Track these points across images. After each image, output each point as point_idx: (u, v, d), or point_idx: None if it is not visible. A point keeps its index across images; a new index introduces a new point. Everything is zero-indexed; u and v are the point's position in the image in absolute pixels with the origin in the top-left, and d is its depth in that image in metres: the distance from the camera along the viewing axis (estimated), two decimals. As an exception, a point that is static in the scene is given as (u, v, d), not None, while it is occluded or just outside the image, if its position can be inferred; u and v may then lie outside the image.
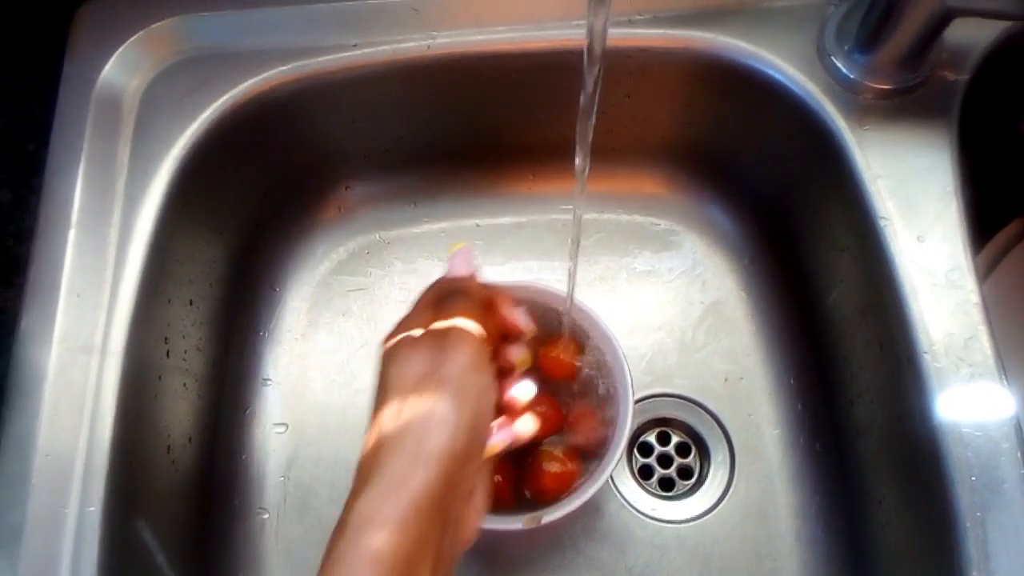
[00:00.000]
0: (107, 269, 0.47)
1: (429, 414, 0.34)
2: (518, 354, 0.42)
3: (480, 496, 0.37)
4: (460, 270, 0.43)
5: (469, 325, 0.37)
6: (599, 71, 0.31)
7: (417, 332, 0.38)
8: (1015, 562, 0.40)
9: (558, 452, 0.50)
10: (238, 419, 0.59)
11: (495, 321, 0.41)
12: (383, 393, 0.36)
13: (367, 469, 0.33)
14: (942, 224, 0.48)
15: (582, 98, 0.33)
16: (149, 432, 0.48)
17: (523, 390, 0.41)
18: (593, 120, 0.35)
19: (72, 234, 0.47)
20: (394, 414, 0.35)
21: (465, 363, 0.36)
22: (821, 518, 0.56)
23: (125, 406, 0.45)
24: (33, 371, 0.44)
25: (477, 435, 0.35)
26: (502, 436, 0.38)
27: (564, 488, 0.48)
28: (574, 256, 0.44)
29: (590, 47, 0.30)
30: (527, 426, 0.40)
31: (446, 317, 0.37)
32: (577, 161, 0.36)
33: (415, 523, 0.32)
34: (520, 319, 0.42)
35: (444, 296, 0.40)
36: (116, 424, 0.44)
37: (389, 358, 0.38)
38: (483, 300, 0.40)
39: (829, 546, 0.55)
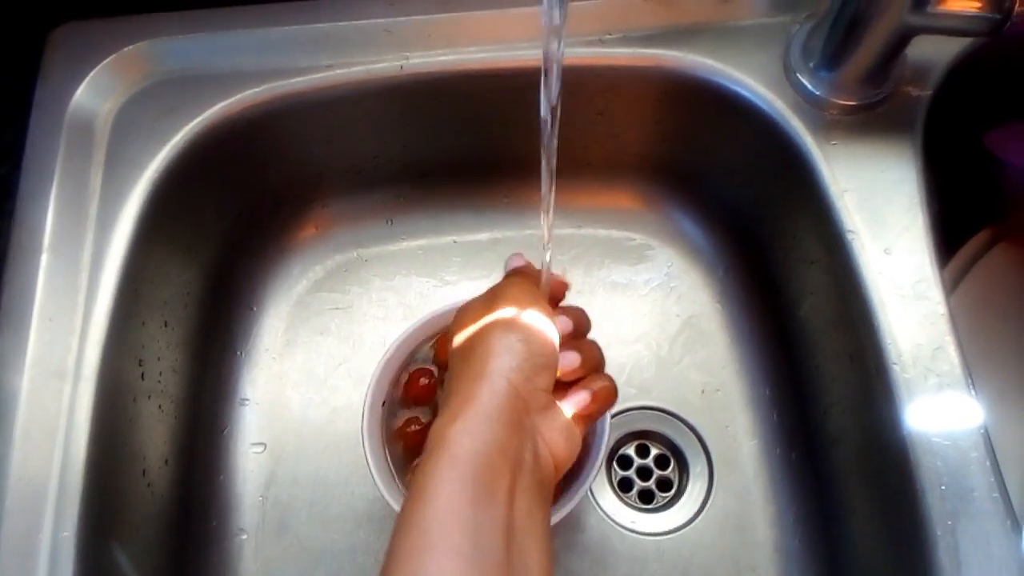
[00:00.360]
0: (80, 293, 0.47)
1: (488, 336, 0.38)
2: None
3: (564, 419, 0.39)
4: (517, 264, 0.47)
5: (524, 278, 0.43)
6: (558, 97, 0.32)
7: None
8: (986, 570, 0.41)
9: None
10: (215, 440, 0.59)
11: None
12: (454, 338, 0.41)
13: (444, 400, 0.37)
14: (909, 236, 0.48)
15: (542, 123, 0.33)
16: (124, 455, 0.48)
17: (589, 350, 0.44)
18: (555, 154, 0.36)
19: (44, 258, 0.47)
20: (461, 346, 0.39)
21: (517, 295, 0.40)
22: (798, 528, 0.56)
23: (99, 430, 0.45)
24: (5, 396, 0.44)
25: (537, 352, 0.38)
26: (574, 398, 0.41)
27: None
28: (546, 274, 0.44)
29: (547, 75, 0.30)
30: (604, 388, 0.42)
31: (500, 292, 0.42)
32: (543, 191, 0.37)
33: (487, 429, 0.35)
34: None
35: (509, 292, 0.43)
36: (90, 448, 0.44)
37: (458, 316, 0.42)
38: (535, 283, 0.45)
39: (806, 556, 0.56)
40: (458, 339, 0.40)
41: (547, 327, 0.39)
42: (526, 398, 0.37)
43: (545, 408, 0.39)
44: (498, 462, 0.34)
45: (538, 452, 0.37)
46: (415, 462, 0.49)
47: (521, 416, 0.36)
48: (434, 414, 0.49)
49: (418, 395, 0.50)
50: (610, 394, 0.42)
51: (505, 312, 0.39)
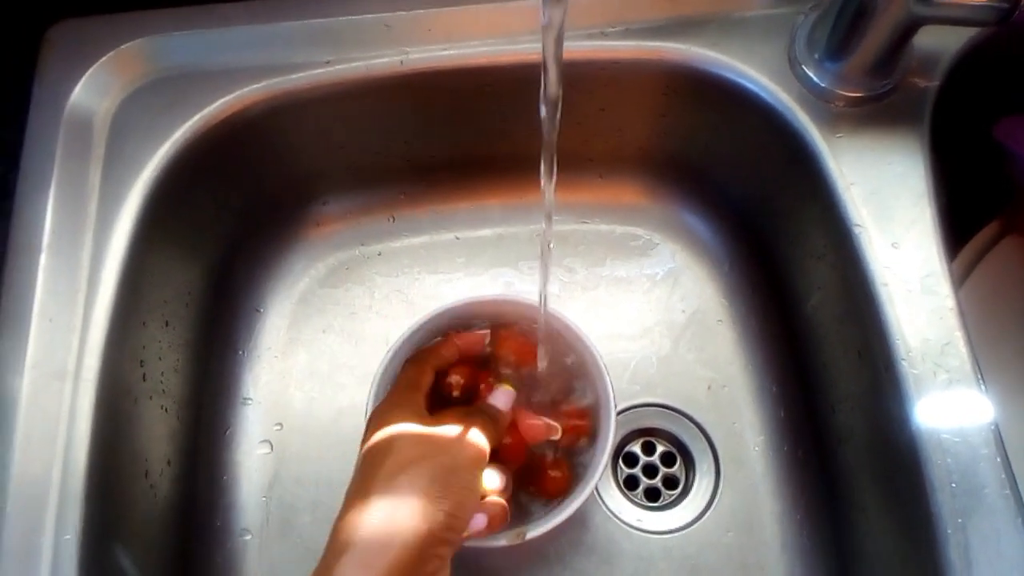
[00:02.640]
0: (79, 293, 0.47)
1: (418, 496, 0.37)
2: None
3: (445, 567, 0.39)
4: (500, 404, 0.47)
5: (472, 439, 0.41)
6: (559, 91, 0.31)
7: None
8: (997, 568, 0.40)
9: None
10: (218, 440, 0.58)
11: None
12: (376, 463, 0.39)
13: (349, 534, 0.36)
14: (916, 230, 0.48)
15: (543, 119, 0.33)
16: (126, 457, 0.48)
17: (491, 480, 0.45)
18: (555, 153, 0.35)
19: (43, 258, 0.47)
20: (385, 486, 0.37)
21: (460, 460, 0.39)
22: (806, 526, 0.56)
23: (100, 431, 0.44)
24: (5, 397, 0.44)
25: (454, 525, 0.38)
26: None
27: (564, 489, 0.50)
28: (544, 271, 0.44)
29: (545, 77, 0.30)
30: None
31: (469, 420, 0.42)
32: (542, 188, 0.36)
33: None
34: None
35: (478, 409, 0.44)
36: (91, 450, 0.44)
37: (383, 418, 0.41)
38: (502, 430, 0.46)
39: (815, 554, 0.55)
40: (386, 435, 0.40)
41: (477, 491, 0.40)
42: (427, 562, 0.37)
43: (434, 573, 0.38)
44: None
45: None
46: None
47: None
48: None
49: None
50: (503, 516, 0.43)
51: (446, 457, 0.39)
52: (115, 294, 0.47)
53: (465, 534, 0.40)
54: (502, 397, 0.47)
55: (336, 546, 0.36)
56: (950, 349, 0.45)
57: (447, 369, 0.49)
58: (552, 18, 0.27)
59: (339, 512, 0.39)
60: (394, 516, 0.36)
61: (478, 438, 0.41)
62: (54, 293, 0.46)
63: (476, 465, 0.41)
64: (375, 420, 0.42)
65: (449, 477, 0.38)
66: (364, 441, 0.42)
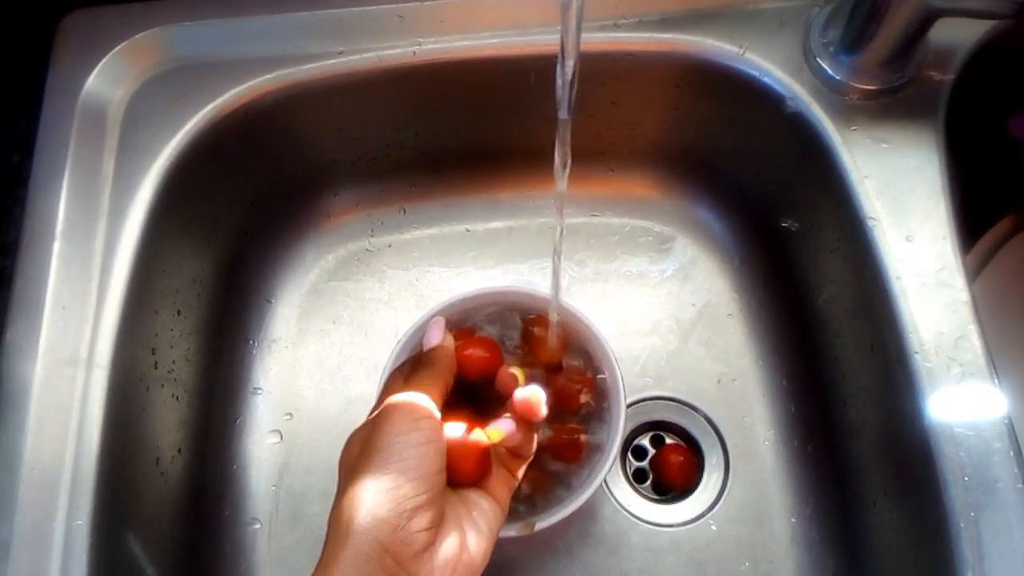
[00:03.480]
0: (92, 280, 0.47)
1: (354, 485, 0.35)
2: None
3: (444, 554, 0.36)
4: (432, 341, 0.44)
5: (408, 397, 0.39)
6: (574, 79, 0.31)
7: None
8: (1009, 562, 0.40)
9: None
10: (228, 429, 0.59)
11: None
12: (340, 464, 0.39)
13: (331, 531, 0.35)
14: (930, 223, 0.48)
15: (558, 101, 0.33)
16: (137, 444, 0.48)
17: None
18: (568, 141, 0.35)
19: (57, 246, 0.47)
20: (336, 498, 0.36)
21: (400, 424, 0.37)
22: (816, 520, 0.56)
23: (112, 418, 0.45)
24: (19, 384, 0.44)
25: (410, 493, 0.35)
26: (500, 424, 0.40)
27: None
28: (557, 264, 0.43)
29: (563, 64, 0.30)
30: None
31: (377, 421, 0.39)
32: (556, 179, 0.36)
33: (366, 568, 0.33)
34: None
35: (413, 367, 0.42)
36: (103, 437, 0.44)
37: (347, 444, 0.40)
38: (448, 365, 0.43)
39: (824, 548, 0.55)
40: (342, 465, 0.39)
41: (428, 453, 0.37)
42: (396, 552, 0.34)
43: (424, 549, 0.35)
44: None
45: None
46: None
47: (405, 556, 0.34)
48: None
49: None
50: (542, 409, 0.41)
51: (379, 434, 0.37)
52: (128, 282, 0.47)
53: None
54: (432, 332, 0.44)
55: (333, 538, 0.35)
56: (964, 343, 0.45)
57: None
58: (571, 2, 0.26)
59: None
60: (356, 507, 0.35)
61: (409, 399, 0.39)
62: (67, 281, 0.47)
63: (417, 421, 0.38)
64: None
65: (394, 444, 0.36)
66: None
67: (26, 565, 0.41)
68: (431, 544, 0.36)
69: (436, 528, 0.36)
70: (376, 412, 0.40)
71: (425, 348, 0.44)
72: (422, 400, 0.39)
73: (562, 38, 0.29)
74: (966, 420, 0.43)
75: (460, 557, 0.37)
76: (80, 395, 0.44)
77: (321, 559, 0.35)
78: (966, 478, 0.42)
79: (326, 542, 0.35)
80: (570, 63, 0.29)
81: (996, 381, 0.44)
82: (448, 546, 0.36)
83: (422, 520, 0.35)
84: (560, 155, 0.36)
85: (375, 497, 0.34)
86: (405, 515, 0.35)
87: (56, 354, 0.45)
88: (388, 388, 0.42)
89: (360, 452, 0.37)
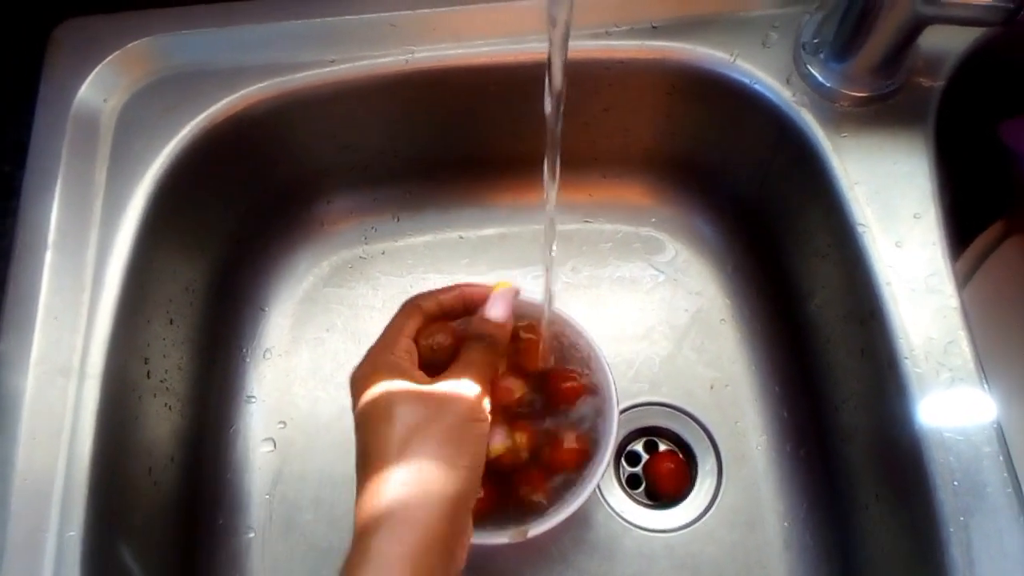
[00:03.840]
0: (85, 290, 0.47)
1: (435, 460, 0.36)
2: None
3: (469, 530, 0.39)
4: (497, 314, 0.44)
5: (470, 388, 0.39)
6: (562, 87, 0.31)
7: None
8: (999, 566, 0.40)
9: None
10: (222, 438, 0.59)
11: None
12: (379, 433, 0.38)
13: (374, 513, 0.35)
14: (920, 229, 0.48)
15: (547, 116, 0.33)
16: (130, 453, 0.48)
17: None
18: (558, 147, 0.35)
19: (49, 255, 0.47)
20: (398, 457, 0.36)
21: (465, 414, 0.38)
22: (809, 524, 0.56)
23: (105, 428, 0.45)
24: (10, 394, 0.44)
25: (474, 478, 0.38)
26: None
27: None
28: (548, 267, 0.44)
29: (550, 73, 0.30)
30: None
31: (464, 365, 0.40)
32: (545, 184, 0.36)
33: (425, 559, 0.34)
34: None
35: (471, 337, 0.42)
36: (96, 446, 0.44)
37: (385, 400, 0.39)
38: (504, 348, 0.44)
39: (817, 553, 0.55)
40: (398, 425, 0.38)
41: (483, 450, 0.39)
42: (457, 522, 0.37)
43: (465, 530, 0.38)
44: None
45: (453, 573, 0.37)
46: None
47: (452, 542, 0.36)
48: None
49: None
50: None
51: (451, 415, 0.38)
52: (120, 292, 0.47)
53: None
54: (499, 304, 0.44)
55: (364, 527, 0.35)
56: (953, 348, 0.45)
57: (432, 329, 0.45)
58: (558, 14, 0.27)
59: (358, 492, 0.38)
60: (416, 487, 0.36)
61: (473, 387, 0.40)
62: (59, 290, 0.46)
63: (480, 413, 0.39)
64: (361, 381, 0.40)
65: (459, 435, 0.38)
66: (354, 404, 0.40)
67: (18, 575, 0.41)
68: (469, 528, 0.39)
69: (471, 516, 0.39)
70: (437, 384, 0.39)
71: (488, 316, 0.44)
72: (481, 392, 0.40)
73: (549, 54, 0.29)
74: (956, 425, 0.43)
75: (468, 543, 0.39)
76: (72, 405, 0.44)
77: (384, 519, 0.35)
78: (956, 483, 0.42)
79: (387, 504, 0.35)
80: (558, 77, 0.30)
81: (985, 386, 0.44)
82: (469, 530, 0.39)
83: (473, 503, 0.38)
84: (549, 164, 0.36)
85: (453, 472, 0.36)
86: (472, 497, 0.38)
87: (48, 364, 0.45)
88: (415, 322, 0.42)
89: (422, 421, 0.37)
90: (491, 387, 0.41)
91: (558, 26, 0.27)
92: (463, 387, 0.39)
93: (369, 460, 0.37)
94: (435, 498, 0.35)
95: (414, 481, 0.36)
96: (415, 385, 0.39)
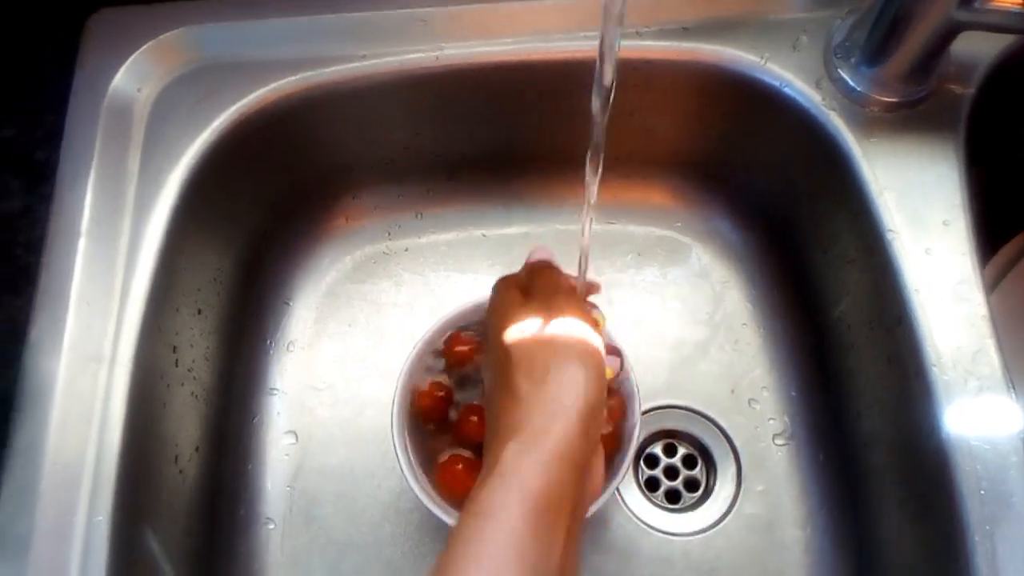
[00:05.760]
0: (117, 278, 0.47)
1: (564, 363, 0.37)
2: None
3: (601, 451, 0.41)
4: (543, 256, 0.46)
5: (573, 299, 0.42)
6: (612, 88, 0.31)
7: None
8: (1025, 577, 0.40)
9: None
10: (245, 429, 0.59)
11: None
12: (513, 355, 0.39)
13: (511, 419, 0.36)
14: (950, 237, 0.48)
15: (593, 116, 0.33)
16: (157, 441, 0.48)
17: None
18: (603, 144, 0.36)
19: (82, 243, 0.48)
20: (528, 373, 0.37)
21: (574, 311, 0.40)
22: (828, 531, 0.56)
23: (134, 415, 0.45)
24: (42, 380, 0.44)
25: (600, 391, 0.38)
26: None
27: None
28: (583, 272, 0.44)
29: (601, 67, 0.30)
30: None
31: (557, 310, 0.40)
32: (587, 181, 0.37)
33: (557, 469, 0.34)
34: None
35: (548, 291, 0.43)
36: (124, 433, 0.44)
37: (500, 308, 0.41)
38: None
39: (836, 559, 0.55)
40: (512, 339, 0.39)
41: (604, 361, 0.39)
42: (589, 435, 0.37)
43: (597, 444, 0.39)
44: (564, 503, 0.34)
45: (585, 493, 0.38)
46: (444, 456, 0.49)
47: (583, 455, 0.36)
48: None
49: (432, 410, 0.50)
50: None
51: (574, 334, 0.39)
52: (151, 280, 0.48)
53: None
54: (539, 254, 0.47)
55: (492, 440, 0.37)
56: (981, 356, 0.45)
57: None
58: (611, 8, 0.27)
59: (490, 411, 0.40)
60: (558, 400, 0.36)
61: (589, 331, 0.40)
62: (92, 278, 0.47)
63: (596, 351, 0.40)
64: (508, 305, 0.42)
65: (584, 351, 0.38)
66: (496, 341, 0.41)
67: (47, 559, 0.41)
68: (600, 445, 0.40)
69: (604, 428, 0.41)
70: (534, 284, 0.42)
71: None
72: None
73: (601, 48, 0.29)
74: (983, 434, 0.43)
75: (602, 466, 0.41)
76: (103, 392, 0.44)
77: (525, 429, 0.35)
78: (982, 491, 0.42)
79: (525, 416, 0.36)
80: (609, 67, 0.30)
81: (1013, 395, 0.44)
82: (601, 451, 0.42)
83: (602, 421, 0.39)
84: (592, 158, 0.36)
85: (585, 385, 0.37)
86: (601, 406, 0.38)
87: (80, 351, 0.45)
88: (510, 309, 0.42)
89: (554, 345, 0.38)
90: None
91: (611, 19, 0.27)
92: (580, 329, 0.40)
93: (505, 383, 0.39)
94: (567, 411, 0.36)
95: (546, 398, 0.36)
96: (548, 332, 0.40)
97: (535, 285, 0.43)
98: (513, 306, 0.41)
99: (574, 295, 0.44)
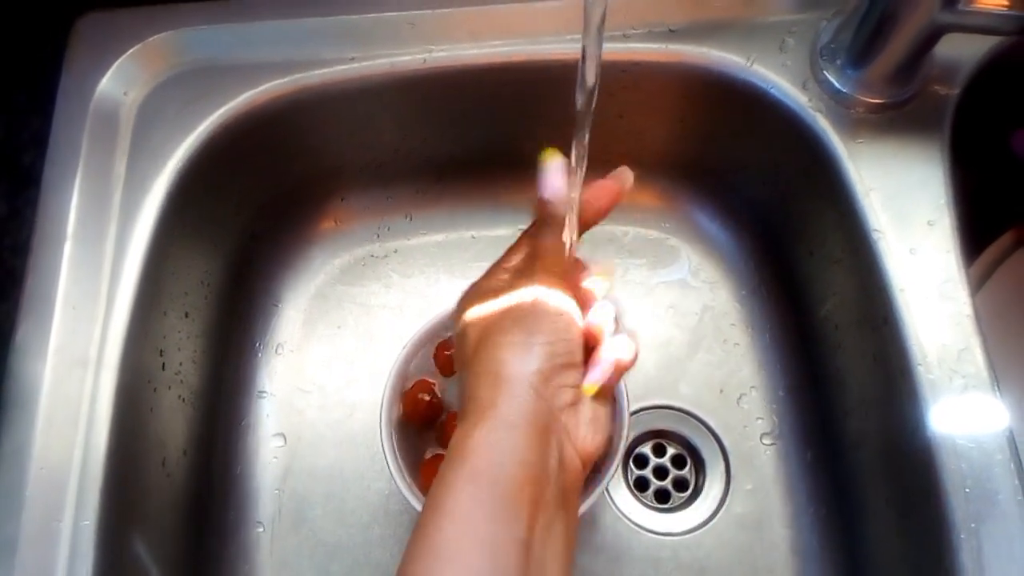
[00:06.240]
0: (103, 281, 0.47)
1: (503, 333, 0.35)
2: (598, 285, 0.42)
3: (590, 410, 0.37)
4: (555, 185, 0.42)
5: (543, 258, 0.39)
6: (594, 91, 0.32)
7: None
8: (1010, 573, 0.40)
9: None
10: (233, 431, 0.59)
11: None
12: (466, 332, 0.37)
13: (463, 403, 0.35)
14: (934, 236, 0.48)
15: (578, 112, 0.33)
16: (144, 445, 0.48)
17: (600, 314, 0.39)
18: (587, 144, 0.36)
19: (68, 246, 0.47)
20: (473, 348, 0.36)
21: (536, 272, 0.37)
22: (816, 529, 0.56)
23: (120, 419, 0.45)
24: (28, 384, 0.44)
25: (560, 351, 0.36)
26: (594, 374, 0.38)
27: None
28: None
29: (583, 72, 0.30)
30: (621, 351, 0.38)
31: (531, 275, 0.38)
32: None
33: (508, 440, 0.33)
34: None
35: (530, 257, 0.40)
36: (111, 437, 0.44)
37: (466, 293, 0.39)
38: (565, 265, 0.41)
39: (825, 558, 0.55)
40: (467, 322, 0.37)
41: (571, 315, 0.37)
42: (550, 400, 0.35)
43: (572, 404, 0.36)
44: (520, 475, 0.33)
45: (564, 455, 0.35)
46: (428, 454, 0.49)
47: (546, 420, 0.34)
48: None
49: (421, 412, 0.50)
50: (631, 355, 0.38)
51: (520, 298, 0.36)
52: (137, 283, 0.48)
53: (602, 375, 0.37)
54: (549, 180, 0.42)
55: (459, 419, 0.36)
56: (966, 355, 0.45)
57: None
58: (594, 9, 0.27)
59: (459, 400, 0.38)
60: (499, 371, 0.35)
61: (544, 279, 0.38)
62: (78, 281, 0.47)
63: (547, 294, 0.37)
64: (461, 305, 0.40)
65: (530, 318, 0.36)
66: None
67: (33, 563, 0.41)
68: (577, 402, 0.36)
69: (578, 388, 0.37)
70: (512, 260, 0.40)
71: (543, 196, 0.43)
72: (545, 277, 0.38)
73: (584, 48, 0.29)
74: (968, 432, 0.43)
75: (600, 420, 0.37)
76: (89, 395, 0.44)
77: (470, 407, 0.35)
78: (967, 489, 0.42)
79: (471, 394, 0.35)
80: (592, 65, 0.30)
81: (998, 393, 0.44)
82: (588, 408, 0.37)
83: (569, 377, 0.36)
84: (576, 151, 0.36)
85: (528, 350, 0.35)
86: (557, 368, 0.35)
87: (66, 354, 0.45)
88: (476, 291, 0.40)
89: (499, 317, 0.36)
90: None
91: (593, 19, 0.27)
92: (560, 306, 0.37)
93: (458, 366, 0.38)
94: (510, 377, 0.34)
95: (507, 353, 0.35)
96: (491, 302, 0.38)
97: (519, 265, 0.40)
98: (482, 286, 0.39)
99: (562, 272, 0.39)
